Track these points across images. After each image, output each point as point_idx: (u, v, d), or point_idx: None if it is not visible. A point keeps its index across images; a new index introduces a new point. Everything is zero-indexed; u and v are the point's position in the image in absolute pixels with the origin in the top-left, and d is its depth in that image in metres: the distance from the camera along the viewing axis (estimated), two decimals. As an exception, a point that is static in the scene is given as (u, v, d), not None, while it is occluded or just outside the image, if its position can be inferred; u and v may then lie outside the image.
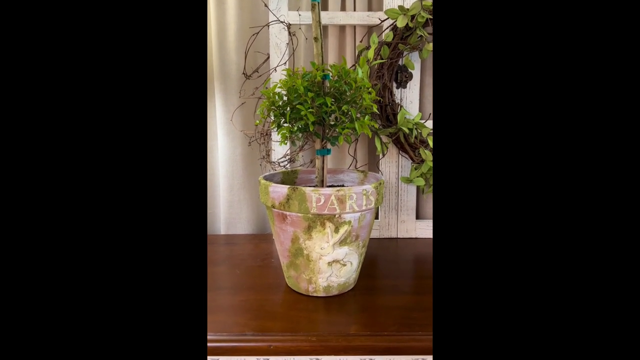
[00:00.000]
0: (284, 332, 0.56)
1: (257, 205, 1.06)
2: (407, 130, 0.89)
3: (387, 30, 0.89)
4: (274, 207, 0.64)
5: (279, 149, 0.93)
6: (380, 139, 0.90)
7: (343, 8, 0.96)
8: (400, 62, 0.91)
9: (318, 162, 0.68)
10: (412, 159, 0.94)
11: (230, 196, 1.03)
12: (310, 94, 0.61)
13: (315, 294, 0.67)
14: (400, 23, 0.84)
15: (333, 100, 0.63)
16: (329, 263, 0.64)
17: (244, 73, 0.94)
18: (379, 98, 0.77)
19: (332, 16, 0.92)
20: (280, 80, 0.65)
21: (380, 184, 0.66)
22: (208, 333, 0.56)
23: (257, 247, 0.93)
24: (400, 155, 0.96)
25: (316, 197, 0.60)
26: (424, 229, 0.99)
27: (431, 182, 0.95)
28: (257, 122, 0.71)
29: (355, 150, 0.97)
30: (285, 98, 0.65)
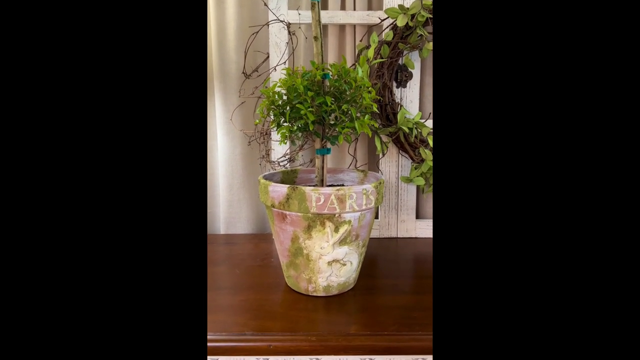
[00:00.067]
0: (283, 332, 0.56)
1: (257, 205, 1.06)
2: (407, 130, 0.89)
3: (387, 30, 0.88)
4: (273, 206, 0.64)
5: (279, 149, 0.93)
6: (380, 139, 0.90)
7: (343, 7, 0.96)
8: (400, 62, 0.91)
9: (318, 162, 0.68)
10: (412, 158, 0.93)
11: (229, 196, 1.03)
12: (310, 93, 0.61)
13: (315, 294, 0.67)
14: (400, 22, 0.84)
15: (333, 99, 0.63)
16: (329, 263, 0.64)
17: (243, 72, 0.94)
18: (379, 97, 0.77)
19: (332, 15, 0.92)
20: (280, 79, 0.64)
21: (380, 183, 0.66)
22: (208, 333, 0.56)
23: (256, 246, 0.93)
24: (400, 155, 0.95)
25: (316, 196, 0.60)
26: (424, 229, 0.99)
27: (431, 182, 0.94)
28: (257, 121, 0.71)
29: (355, 149, 0.97)
30: (285, 97, 0.64)
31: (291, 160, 0.94)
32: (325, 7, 0.95)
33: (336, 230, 0.62)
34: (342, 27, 0.97)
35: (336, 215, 0.61)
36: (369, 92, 0.65)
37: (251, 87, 0.97)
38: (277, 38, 0.90)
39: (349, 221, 0.62)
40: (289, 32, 0.90)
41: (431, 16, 0.83)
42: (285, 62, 0.90)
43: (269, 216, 0.68)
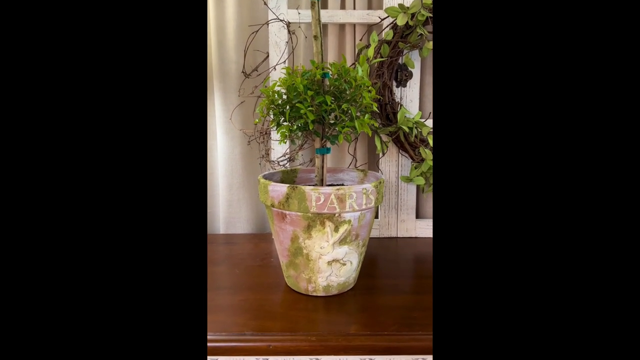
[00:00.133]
0: (283, 332, 0.56)
1: (257, 205, 1.05)
2: (407, 129, 0.89)
3: (387, 29, 0.88)
4: (273, 206, 0.64)
5: (279, 148, 0.93)
6: (380, 138, 0.90)
7: (343, 6, 0.96)
8: (400, 61, 0.91)
9: (318, 161, 0.68)
10: (412, 158, 0.93)
11: (229, 195, 1.03)
12: (309, 93, 0.61)
13: (314, 294, 0.67)
14: (401, 21, 0.84)
15: (333, 98, 0.63)
16: (329, 262, 0.63)
17: (243, 71, 0.94)
18: (378, 97, 0.77)
19: (331, 14, 0.91)
20: (279, 78, 0.64)
21: (380, 183, 0.66)
22: (207, 333, 0.56)
23: (256, 246, 0.93)
24: (400, 154, 0.95)
25: (316, 196, 0.60)
26: (424, 228, 0.99)
27: (431, 181, 0.94)
28: (257, 120, 0.71)
29: (355, 149, 0.97)
30: (284, 96, 0.64)
31: (291, 159, 0.94)
32: (325, 6, 0.95)
33: (336, 229, 0.62)
34: (342, 26, 0.97)
35: (336, 215, 0.61)
36: (369, 91, 0.65)
37: (251, 86, 0.97)
38: (277, 37, 0.90)
39: (349, 221, 0.62)
40: (289, 31, 0.90)
41: (431, 15, 0.83)
42: (285, 62, 0.90)
43: (268, 216, 0.68)
